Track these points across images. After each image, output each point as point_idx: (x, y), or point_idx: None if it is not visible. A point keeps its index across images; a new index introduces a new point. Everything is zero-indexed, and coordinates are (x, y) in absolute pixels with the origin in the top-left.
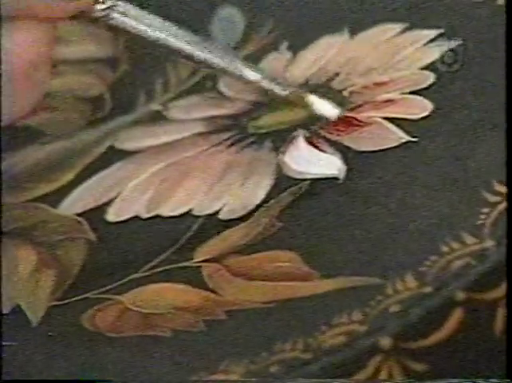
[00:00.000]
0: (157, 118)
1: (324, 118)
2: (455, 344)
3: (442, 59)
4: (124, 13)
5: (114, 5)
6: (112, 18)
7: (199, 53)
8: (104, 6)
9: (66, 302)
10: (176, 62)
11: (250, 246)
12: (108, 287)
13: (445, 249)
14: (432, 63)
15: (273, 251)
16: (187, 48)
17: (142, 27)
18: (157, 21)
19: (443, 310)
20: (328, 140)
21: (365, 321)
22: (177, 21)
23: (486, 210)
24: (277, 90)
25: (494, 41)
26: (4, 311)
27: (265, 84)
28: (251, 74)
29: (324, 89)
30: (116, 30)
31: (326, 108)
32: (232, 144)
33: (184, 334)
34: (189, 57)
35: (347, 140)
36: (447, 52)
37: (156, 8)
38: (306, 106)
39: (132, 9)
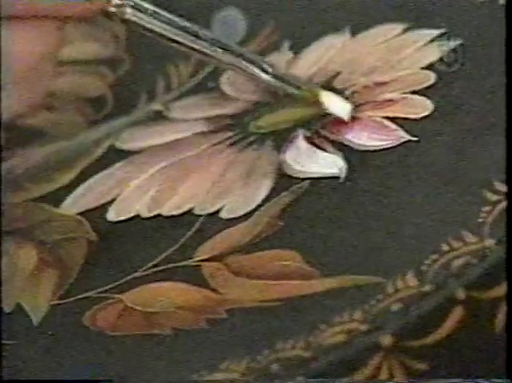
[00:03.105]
0: (158, 118)
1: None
2: (456, 342)
3: (441, 58)
4: (137, 9)
5: (128, 1)
6: (126, 13)
7: (211, 49)
8: (118, 2)
9: (67, 301)
10: (177, 62)
11: (251, 245)
12: (109, 286)
13: (446, 247)
14: (433, 63)
15: (274, 250)
16: (198, 43)
17: (155, 22)
18: (170, 16)
19: (444, 309)
20: (328, 140)
21: (366, 319)
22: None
23: (486, 208)
24: (290, 90)
25: (495, 42)
26: (6, 310)
27: (277, 83)
28: (262, 74)
29: (326, 89)
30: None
31: (339, 107)
32: (233, 144)
33: (185, 333)
34: (201, 53)
35: (347, 140)
36: (447, 52)
37: (157, 8)
38: (318, 104)
39: (146, 5)
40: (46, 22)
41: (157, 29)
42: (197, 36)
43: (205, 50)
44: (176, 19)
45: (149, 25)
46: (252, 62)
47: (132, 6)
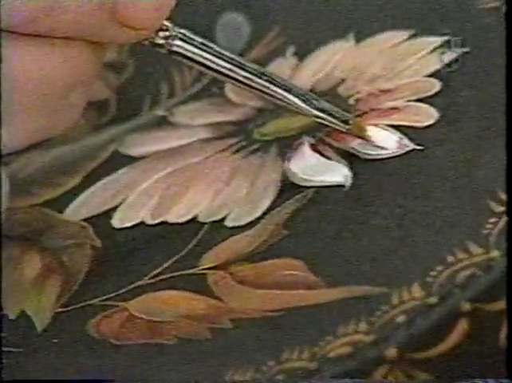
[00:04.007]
0: (162, 123)
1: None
2: (460, 354)
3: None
4: (186, 41)
5: (177, 33)
6: (174, 45)
7: (261, 82)
8: (167, 34)
9: (71, 308)
10: (182, 67)
11: (255, 253)
12: (113, 294)
13: (451, 259)
14: (438, 70)
15: (278, 259)
16: (249, 77)
17: (204, 55)
18: (217, 49)
19: (449, 321)
20: (333, 147)
21: (371, 331)
22: (182, 27)
23: (492, 219)
24: (338, 124)
25: (499, 49)
26: (10, 317)
27: (323, 117)
28: (309, 108)
29: (331, 96)
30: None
31: (386, 140)
32: (238, 151)
33: (189, 342)
34: (250, 87)
35: (352, 148)
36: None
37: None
38: (365, 137)
39: (195, 38)
40: (88, 46)
41: (204, 61)
42: (243, 68)
43: (251, 83)
44: (223, 51)
45: (196, 57)
46: (298, 96)
47: (181, 38)
